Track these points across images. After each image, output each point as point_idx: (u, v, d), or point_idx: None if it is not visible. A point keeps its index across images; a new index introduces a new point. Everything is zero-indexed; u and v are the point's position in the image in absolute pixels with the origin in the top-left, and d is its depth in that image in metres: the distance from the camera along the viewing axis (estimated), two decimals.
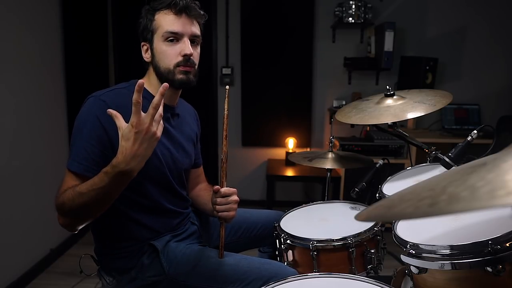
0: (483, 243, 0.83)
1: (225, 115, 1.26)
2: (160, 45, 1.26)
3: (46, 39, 2.71)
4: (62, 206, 1.12)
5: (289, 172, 3.41)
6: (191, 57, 1.26)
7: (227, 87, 1.28)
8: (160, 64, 1.27)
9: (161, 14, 1.26)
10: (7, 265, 2.31)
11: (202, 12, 1.30)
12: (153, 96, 1.29)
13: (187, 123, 1.47)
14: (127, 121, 1.21)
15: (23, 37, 2.46)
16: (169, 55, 1.26)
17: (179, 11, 1.25)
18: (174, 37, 1.25)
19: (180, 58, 1.25)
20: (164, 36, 1.25)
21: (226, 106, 1.26)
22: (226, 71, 3.70)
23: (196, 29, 1.29)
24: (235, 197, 1.28)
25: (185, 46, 1.25)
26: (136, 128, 1.01)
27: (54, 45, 2.81)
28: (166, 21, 1.25)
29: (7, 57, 2.30)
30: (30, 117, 2.52)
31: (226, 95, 1.25)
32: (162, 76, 1.28)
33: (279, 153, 3.77)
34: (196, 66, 1.31)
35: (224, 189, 1.26)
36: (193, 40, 1.28)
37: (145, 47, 1.31)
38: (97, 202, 1.09)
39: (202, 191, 1.59)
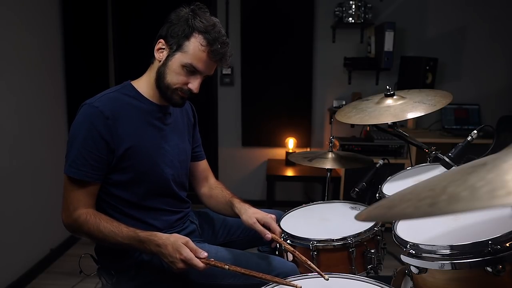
0: (483, 243, 0.83)
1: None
2: (177, 65, 1.25)
3: (46, 39, 2.71)
4: (78, 228, 1.22)
5: (289, 172, 3.41)
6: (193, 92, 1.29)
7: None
8: (167, 77, 1.27)
9: (198, 40, 1.23)
10: (7, 265, 2.31)
11: (229, 62, 1.30)
12: (144, 98, 1.33)
13: (181, 120, 1.47)
14: (120, 123, 1.25)
15: (23, 37, 2.46)
16: (178, 78, 1.26)
17: (214, 59, 1.25)
18: (193, 70, 1.25)
19: (185, 88, 1.27)
20: (186, 65, 1.24)
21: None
22: (226, 71, 3.70)
23: (213, 70, 1.30)
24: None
25: (196, 84, 1.26)
26: (183, 259, 1.11)
27: (54, 45, 2.81)
28: (197, 55, 1.23)
29: (7, 57, 2.30)
30: (30, 117, 2.52)
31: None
32: (162, 86, 1.29)
33: (279, 153, 3.76)
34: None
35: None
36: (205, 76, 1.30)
37: (162, 47, 1.28)
38: (111, 243, 1.21)
39: (213, 190, 1.56)
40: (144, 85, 1.34)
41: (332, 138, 1.90)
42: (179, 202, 1.44)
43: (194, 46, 1.23)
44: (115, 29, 3.65)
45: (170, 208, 1.38)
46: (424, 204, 0.45)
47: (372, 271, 1.34)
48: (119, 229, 1.19)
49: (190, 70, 1.25)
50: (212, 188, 1.57)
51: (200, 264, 1.10)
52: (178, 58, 1.24)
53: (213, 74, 1.34)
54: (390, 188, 1.44)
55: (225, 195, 1.50)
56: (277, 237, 1.29)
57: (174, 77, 1.26)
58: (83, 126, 1.22)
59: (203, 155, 1.61)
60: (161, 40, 1.28)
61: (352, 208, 1.59)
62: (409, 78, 3.40)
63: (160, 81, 1.28)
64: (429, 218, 0.43)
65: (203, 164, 1.60)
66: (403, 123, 3.58)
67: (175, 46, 1.25)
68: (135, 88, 1.33)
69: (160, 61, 1.28)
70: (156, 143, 1.33)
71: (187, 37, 1.23)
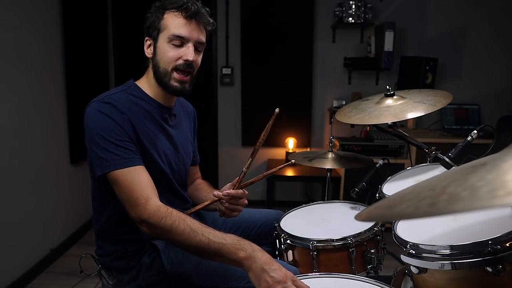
0: (483, 243, 0.83)
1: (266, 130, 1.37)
2: (164, 45, 1.26)
3: (46, 39, 2.71)
4: (158, 221, 1.10)
5: (289, 172, 3.41)
6: (192, 63, 1.26)
7: (277, 110, 1.33)
8: (160, 64, 1.27)
9: (170, 14, 1.25)
10: (7, 265, 2.31)
11: (211, 20, 1.30)
12: (151, 98, 1.31)
13: (184, 122, 1.48)
14: (136, 123, 1.22)
15: (23, 37, 2.46)
16: (171, 57, 1.25)
17: (190, 16, 1.24)
18: (179, 41, 1.24)
19: (180, 62, 1.25)
20: (170, 38, 1.24)
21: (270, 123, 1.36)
22: (226, 71, 3.70)
23: (202, 36, 1.28)
24: (244, 201, 1.31)
25: (189, 52, 1.24)
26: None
27: (54, 45, 2.81)
28: (175, 23, 1.24)
29: (7, 57, 2.30)
30: (30, 117, 2.52)
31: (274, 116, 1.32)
32: (159, 76, 1.28)
33: (279, 153, 3.77)
34: (195, 73, 1.30)
35: (236, 192, 1.29)
36: (197, 46, 1.28)
37: (148, 43, 1.31)
38: (193, 243, 1.08)
39: (200, 185, 1.61)
40: (146, 85, 1.33)
41: (332, 138, 1.91)
42: (183, 202, 1.44)
43: (169, 19, 1.25)
44: (115, 29, 3.65)
45: (175, 208, 1.38)
46: (424, 204, 0.45)
47: (372, 271, 1.34)
48: (208, 227, 1.10)
49: (177, 42, 1.24)
50: (198, 184, 1.62)
51: None
52: (162, 39, 1.26)
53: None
54: (390, 188, 1.44)
55: (212, 189, 1.54)
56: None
57: (166, 58, 1.25)
58: (101, 120, 1.17)
59: (198, 159, 1.63)
60: (146, 38, 1.31)
61: (352, 208, 1.59)
62: (409, 78, 3.40)
63: (157, 72, 1.28)
64: (429, 218, 0.43)
65: (196, 168, 1.64)
66: (403, 123, 3.58)
67: (156, 32, 1.27)
68: (140, 88, 1.32)
69: (151, 55, 1.30)
70: (166, 146, 1.33)
71: (160, 19, 1.26)
